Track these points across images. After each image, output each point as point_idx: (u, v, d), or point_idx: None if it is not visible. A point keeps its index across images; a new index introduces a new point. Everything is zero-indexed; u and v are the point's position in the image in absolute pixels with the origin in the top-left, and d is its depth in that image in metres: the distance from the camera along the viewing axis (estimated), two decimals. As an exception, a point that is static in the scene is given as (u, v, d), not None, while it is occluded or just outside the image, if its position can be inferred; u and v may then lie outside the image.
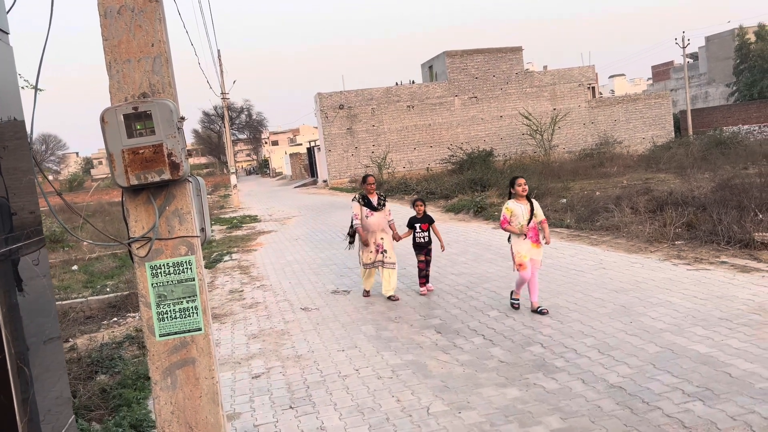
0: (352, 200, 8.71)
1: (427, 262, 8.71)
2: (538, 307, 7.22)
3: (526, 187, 7.20)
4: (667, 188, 14.08)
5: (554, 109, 39.27)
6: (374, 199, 8.57)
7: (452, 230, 14.38)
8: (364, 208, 8.50)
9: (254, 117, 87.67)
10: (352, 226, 8.72)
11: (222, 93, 32.59)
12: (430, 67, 41.83)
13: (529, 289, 7.27)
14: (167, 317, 3.06)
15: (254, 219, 22.54)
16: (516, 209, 7.14)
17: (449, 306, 7.89)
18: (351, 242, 8.96)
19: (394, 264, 8.54)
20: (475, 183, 21.23)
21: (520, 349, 6.06)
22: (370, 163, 36.22)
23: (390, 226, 8.64)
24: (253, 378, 6.04)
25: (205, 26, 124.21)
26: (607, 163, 28.14)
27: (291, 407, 5.25)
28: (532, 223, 7.16)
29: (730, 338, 5.73)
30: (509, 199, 7.31)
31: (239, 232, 18.79)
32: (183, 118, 3.00)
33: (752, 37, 48.61)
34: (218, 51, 55.75)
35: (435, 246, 8.84)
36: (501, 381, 5.34)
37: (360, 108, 37.29)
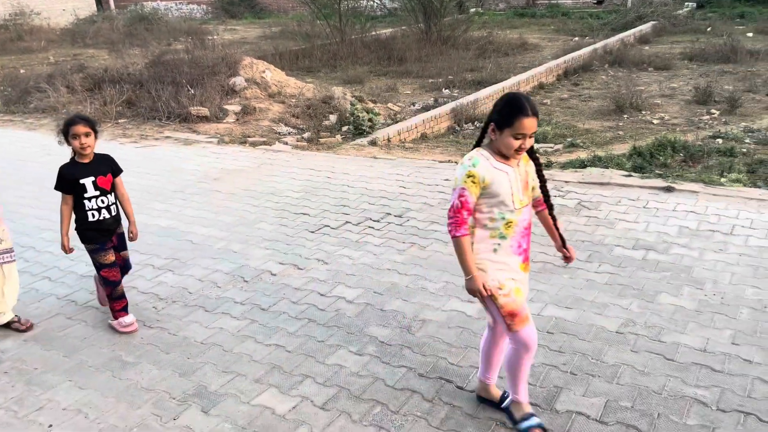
0: None
1: (125, 265, 4.26)
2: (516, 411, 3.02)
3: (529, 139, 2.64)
4: (101, 65, 13.69)
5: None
6: None
7: None
8: None
9: None
10: None
11: None
12: None
13: (491, 362, 3.10)
14: None
15: None
16: (496, 178, 2.66)
17: None
18: None
19: (11, 252, 4.16)
20: None
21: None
22: None
23: None
24: None
25: None
26: (27, 36, 25.52)
27: None
28: (526, 214, 2.81)
29: (186, 208, 6.20)
30: (474, 148, 2.76)
31: None
32: None
33: None
34: None
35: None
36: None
37: None
